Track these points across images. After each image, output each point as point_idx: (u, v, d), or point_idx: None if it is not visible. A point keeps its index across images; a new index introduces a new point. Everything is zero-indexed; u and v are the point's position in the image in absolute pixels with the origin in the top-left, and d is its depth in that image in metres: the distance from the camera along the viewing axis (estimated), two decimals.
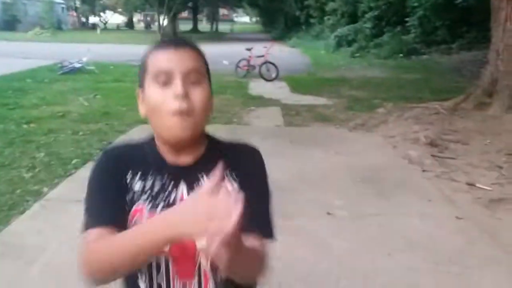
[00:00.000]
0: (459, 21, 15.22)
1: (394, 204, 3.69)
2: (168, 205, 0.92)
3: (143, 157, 0.97)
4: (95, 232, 0.90)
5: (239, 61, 11.57)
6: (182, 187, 0.95)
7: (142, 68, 0.95)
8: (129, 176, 0.95)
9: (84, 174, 4.27)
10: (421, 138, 5.28)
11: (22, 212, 3.42)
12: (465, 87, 7.42)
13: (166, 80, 0.89)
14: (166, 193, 0.94)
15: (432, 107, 6.46)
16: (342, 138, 5.76)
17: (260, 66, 11.14)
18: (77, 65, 11.54)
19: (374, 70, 13.11)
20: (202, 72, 0.94)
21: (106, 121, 6.33)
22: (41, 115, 6.61)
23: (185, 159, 0.96)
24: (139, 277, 0.96)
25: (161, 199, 0.94)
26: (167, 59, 0.90)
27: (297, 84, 10.43)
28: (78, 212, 3.24)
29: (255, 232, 0.90)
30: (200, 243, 0.71)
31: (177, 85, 0.88)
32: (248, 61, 11.47)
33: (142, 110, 0.96)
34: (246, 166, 0.99)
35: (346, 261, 2.79)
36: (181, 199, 0.93)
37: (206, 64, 0.97)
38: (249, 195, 0.87)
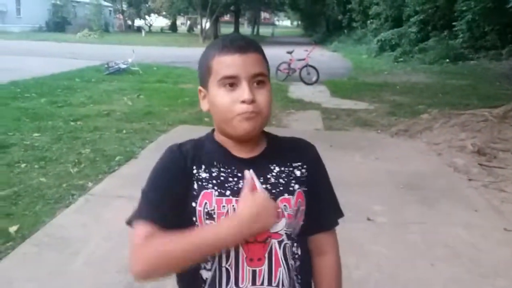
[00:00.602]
0: (510, 26, 14.57)
1: (438, 212, 3.56)
2: (237, 192, 0.95)
3: (206, 151, 1.01)
4: (148, 227, 0.92)
5: (280, 64, 11.56)
6: (254, 176, 0.97)
7: (205, 69, 0.98)
8: (194, 169, 0.99)
9: (126, 171, 4.40)
10: (468, 146, 5.08)
11: (68, 206, 3.54)
12: None
13: (232, 84, 0.93)
14: (234, 181, 0.97)
15: (480, 114, 6.20)
16: (383, 143, 5.63)
17: (301, 69, 11.09)
18: (123, 66, 11.90)
19: (419, 76, 12.76)
20: (265, 73, 0.98)
21: (148, 121, 6.47)
22: (88, 113, 6.85)
23: (249, 153, 1.01)
24: (203, 266, 0.96)
25: (229, 186, 0.97)
26: (233, 65, 0.93)
27: (338, 88, 10.31)
28: (120, 207, 3.36)
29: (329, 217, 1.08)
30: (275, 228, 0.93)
31: (245, 90, 0.92)
32: (289, 64, 11.45)
33: (204, 106, 1.02)
34: (308, 157, 1.06)
35: (385, 268, 2.71)
36: (253, 187, 0.95)
37: (267, 63, 1.01)
38: (318, 181, 1.05)
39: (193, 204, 0.96)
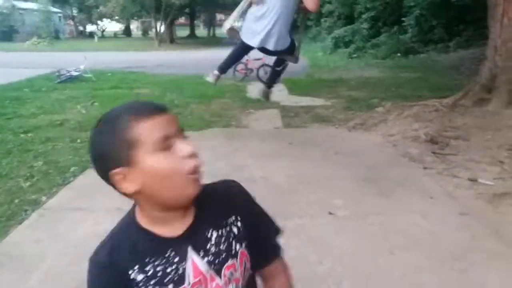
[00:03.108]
0: (456, 19, 15.24)
1: (396, 202, 3.65)
2: (180, 280, 0.89)
3: (132, 245, 0.90)
4: None
5: (237, 64, 11.54)
6: (191, 254, 0.91)
7: (122, 146, 0.83)
8: (130, 274, 0.89)
9: (82, 181, 4.26)
10: (421, 136, 5.25)
11: (21, 222, 3.38)
12: (463, 84, 7.39)
13: (167, 145, 0.84)
14: (173, 270, 0.89)
15: (431, 104, 6.42)
16: (341, 138, 5.73)
17: (258, 69, 11.13)
18: (75, 73, 11.52)
19: (372, 70, 13.09)
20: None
21: None
22: (39, 124, 6.58)
23: (181, 224, 0.92)
24: None
25: (169, 279, 0.89)
26: (160, 126, 0.85)
27: (295, 86, 10.41)
28: (76, 219, 3.24)
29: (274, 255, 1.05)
30: None
31: (184, 145, 0.86)
32: (246, 64, 11.46)
33: (129, 187, 0.86)
34: (239, 204, 1.01)
35: (348, 261, 2.75)
36: (194, 266, 0.90)
37: None
38: (254, 223, 1.01)
39: None
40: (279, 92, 9.73)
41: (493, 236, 3.03)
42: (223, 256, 0.93)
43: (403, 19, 16.66)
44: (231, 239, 0.95)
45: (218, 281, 0.92)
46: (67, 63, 13.52)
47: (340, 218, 3.38)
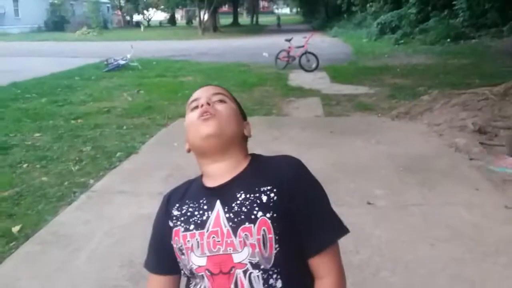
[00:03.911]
0: (510, 2, 14.38)
1: (439, 193, 3.55)
2: (200, 225, 1.00)
3: (186, 190, 1.10)
4: (151, 279, 1.13)
5: (279, 52, 11.51)
6: (218, 206, 1.00)
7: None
8: (172, 210, 1.07)
9: (127, 166, 4.43)
10: (468, 125, 5.05)
11: (70, 203, 3.57)
12: None
13: (195, 105, 1.07)
14: (199, 214, 1.01)
15: (480, 92, 6.14)
16: (384, 127, 5.61)
17: (300, 56, 11.04)
18: (122, 62, 11.90)
19: (419, 57, 12.66)
20: (226, 95, 1.11)
21: (148, 115, 6.49)
22: (88, 111, 6.88)
23: (224, 179, 1.04)
24: None
25: (193, 220, 1.01)
26: (198, 92, 1.11)
27: (338, 73, 10.25)
28: (121, 203, 3.39)
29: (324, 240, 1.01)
30: (237, 258, 0.96)
31: (202, 99, 1.07)
32: (288, 52, 11.39)
33: (186, 146, 1.12)
34: (281, 178, 1.02)
35: (386, 251, 2.72)
36: (217, 217, 0.99)
37: (233, 97, 1.14)
38: (298, 201, 1.00)
39: (172, 242, 1.05)
40: (321, 80, 9.63)
41: None
42: (242, 217, 0.96)
43: (454, 2, 15.90)
44: (255, 205, 0.97)
45: (233, 238, 0.95)
46: (114, 52, 13.97)
47: (379, 207, 3.34)
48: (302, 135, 5.28)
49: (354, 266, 2.55)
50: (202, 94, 1.08)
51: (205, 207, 1.01)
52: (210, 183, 1.05)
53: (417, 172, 3.98)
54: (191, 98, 1.10)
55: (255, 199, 0.98)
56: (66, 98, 7.90)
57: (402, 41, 16.49)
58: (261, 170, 1.04)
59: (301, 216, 0.99)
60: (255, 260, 0.94)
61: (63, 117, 6.46)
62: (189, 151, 1.11)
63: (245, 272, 0.94)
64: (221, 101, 1.08)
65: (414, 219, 3.14)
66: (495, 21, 14.87)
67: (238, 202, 0.98)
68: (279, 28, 35.81)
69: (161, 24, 51.28)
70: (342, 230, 1.03)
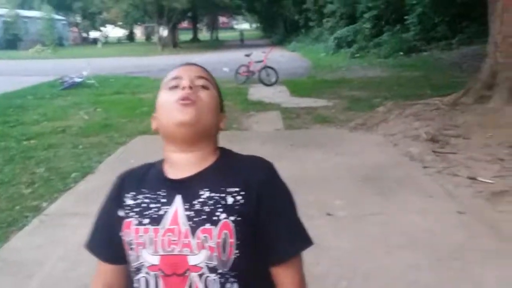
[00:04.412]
0: (459, 16, 15.20)
1: (395, 202, 3.64)
2: (156, 220, 0.91)
3: (143, 176, 1.00)
4: (99, 264, 1.04)
5: (239, 67, 11.60)
6: (178, 202, 0.92)
7: (159, 92, 1.01)
8: (125, 197, 0.98)
9: (83, 187, 4.29)
10: (421, 135, 5.24)
11: (21, 228, 3.41)
12: (465, 82, 7.35)
13: (176, 84, 0.97)
14: (156, 208, 0.93)
15: (432, 103, 6.41)
16: (342, 138, 5.73)
17: (260, 71, 11.16)
18: (78, 80, 11.61)
19: (375, 70, 13.08)
20: (210, 81, 1.01)
21: (106, 134, 6.33)
22: (42, 131, 6.64)
23: (188, 172, 0.95)
24: None
25: (148, 214, 0.92)
26: (179, 69, 1.01)
27: (297, 87, 10.42)
28: (76, 225, 3.26)
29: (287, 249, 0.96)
30: (193, 260, 0.89)
31: (185, 81, 0.96)
32: (248, 67, 11.50)
33: (153, 125, 1.02)
34: (251, 181, 0.95)
35: (346, 261, 2.75)
36: (175, 214, 0.91)
37: (216, 83, 1.04)
38: (264, 208, 0.95)
39: (120, 234, 0.95)
40: (281, 94, 9.75)
41: (491, 235, 3.02)
42: (203, 217, 0.90)
43: (405, 17, 16.62)
44: (219, 206, 0.91)
45: (190, 239, 0.89)
46: (70, 69, 13.65)
47: (338, 218, 3.38)
48: (262, 148, 5.30)
49: (314, 277, 2.54)
50: (184, 74, 0.98)
51: (163, 200, 0.93)
52: (172, 173, 0.97)
53: (374, 182, 4.08)
54: (171, 75, 0.99)
55: (219, 200, 0.91)
56: (18, 119, 7.60)
57: (358, 54, 17.01)
58: (230, 169, 0.97)
59: (266, 223, 0.94)
60: (212, 263, 0.88)
61: (15, 138, 6.20)
62: (156, 130, 1.01)
63: (200, 275, 0.88)
64: (204, 86, 0.98)
65: (372, 228, 3.20)
66: (444, 34, 15.62)
67: (201, 200, 0.91)
68: (242, 43, 36.20)
69: (119, 40, 50.62)
70: (307, 241, 0.99)
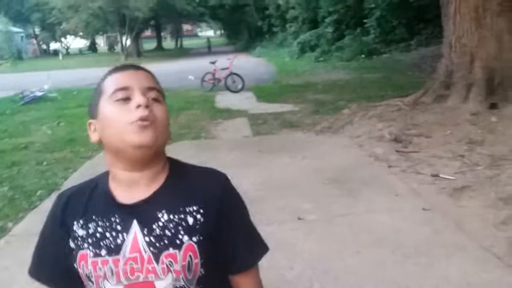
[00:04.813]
0: (416, 18, 15.75)
1: (362, 202, 3.74)
2: (114, 250, 0.87)
3: (88, 199, 0.93)
4: None
5: (204, 75, 11.60)
6: (135, 227, 0.88)
7: (95, 96, 0.92)
8: (73, 225, 0.92)
9: (48, 204, 4.17)
10: (385, 135, 5.40)
11: None
12: (425, 82, 7.62)
13: (125, 96, 0.87)
14: (111, 236, 0.88)
15: (394, 103, 6.60)
16: (309, 142, 5.83)
17: (226, 78, 11.18)
18: (39, 94, 11.31)
19: (338, 73, 13.34)
20: (159, 90, 0.93)
21: (71, 148, 6.20)
22: (3, 148, 6.44)
23: (141, 193, 0.90)
24: None
25: (105, 244, 0.88)
26: (126, 77, 0.90)
27: (263, 93, 10.51)
28: None
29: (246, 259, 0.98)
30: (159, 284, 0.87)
31: (139, 97, 0.86)
32: (213, 74, 11.50)
33: (94, 137, 0.93)
34: (209, 196, 0.93)
35: (317, 264, 2.81)
36: (134, 240, 0.87)
37: (162, 91, 0.96)
38: (224, 221, 0.94)
39: (75, 265, 0.90)
40: (247, 100, 9.81)
41: (454, 230, 3.15)
42: (165, 242, 0.87)
43: (365, 20, 17.08)
44: (180, 228, 0.88)
45: (154, 265, 0.86)
46: (31, 83, 13.24)
47: (308, 222, 3.45)
48: (230, 156, 5.33)
49: (288, 281, 2.60)
50: (133, 84, 0.88)
51: (119, 227, 0.87)
52: (122, 195, 0.90)
53: (341, 184, 4.17)
54: (116, 85, 0.88)
55: (180, 221, 0.88)
56: None
57: (321, 58, 17.32)
58: (185, 186, 0.93)
59: (227, 237, 0.94)
60: (180, 284, 0.87)
61: None
62: (97, 142, 0.92)
63: None
64: (156, 99, 0.90)
65: (341, 229, 3.28)
66: (403, 36, 16.15)
67: (161, 224, 0.87)
68: (209, 50, 36.12)
69: (81, 51, 49.50)
70: (265, 248, 1.03)
